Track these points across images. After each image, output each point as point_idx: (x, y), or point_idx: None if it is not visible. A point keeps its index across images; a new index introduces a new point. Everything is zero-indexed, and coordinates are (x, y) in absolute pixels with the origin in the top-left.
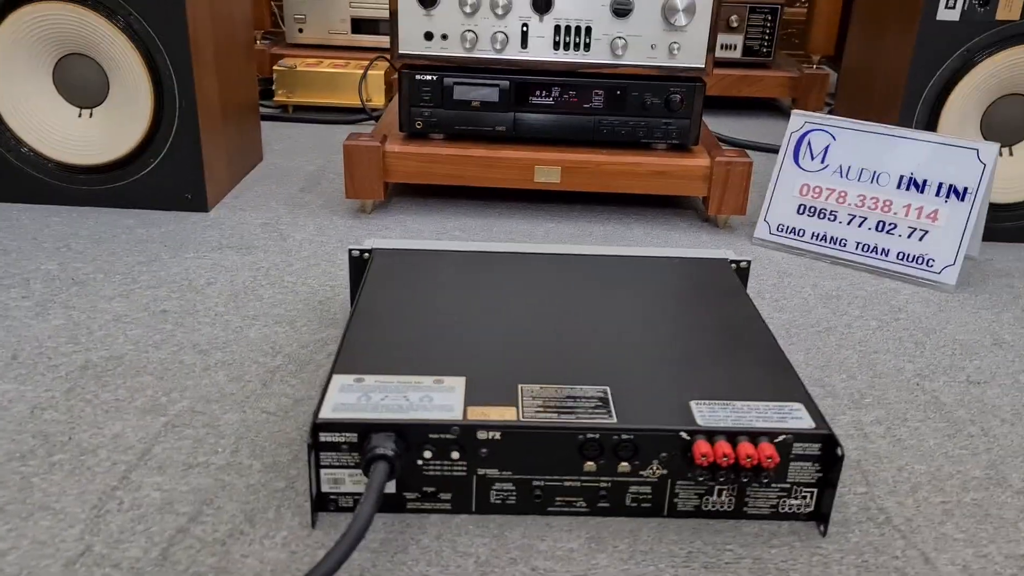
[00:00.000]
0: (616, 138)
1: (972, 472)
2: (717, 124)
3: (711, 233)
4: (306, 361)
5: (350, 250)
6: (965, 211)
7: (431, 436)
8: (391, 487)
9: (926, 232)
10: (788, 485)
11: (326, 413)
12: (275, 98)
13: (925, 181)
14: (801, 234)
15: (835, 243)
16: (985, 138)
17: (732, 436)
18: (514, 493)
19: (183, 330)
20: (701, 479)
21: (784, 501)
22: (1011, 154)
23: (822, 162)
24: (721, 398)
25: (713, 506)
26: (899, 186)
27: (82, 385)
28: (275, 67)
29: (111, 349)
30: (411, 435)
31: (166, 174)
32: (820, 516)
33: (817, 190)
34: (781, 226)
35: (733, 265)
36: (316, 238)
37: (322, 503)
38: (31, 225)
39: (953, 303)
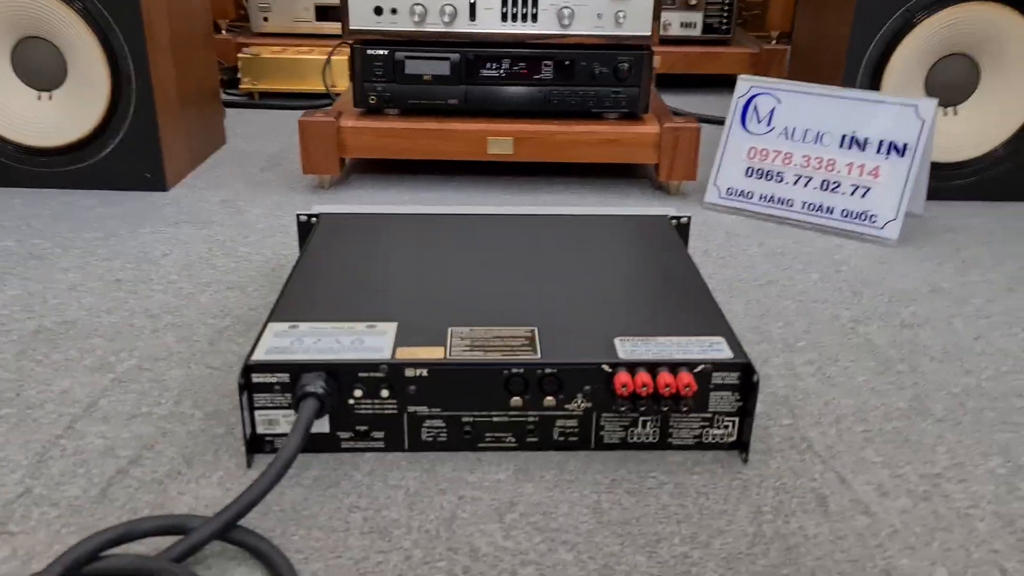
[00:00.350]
0: (567, 108)
1: (896, 404)
2: (679, 101)
3: (663, 199)
4: (254, 322)
5: (298, 215)
6: (905, 167)
7: (361, 375)
8: (325, 426)
9: (868, 189)
10: (710, 415)
11: (258, 355)
12: (241, 85)
13: (866, 139)
14: (750, 196)
15: (782, 203)
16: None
17: (652, 367)
18: (445, 430)
19: (136, 297)
20: (623, 410)
21: (707, 431)
22: (956, 113)
23: (768, 125)
24: (646, 335)
25: (639, 438)
26: (841, 145)
27: (33, 347)
28: (239, 55)
29: (64, 315)
30: (341, 374)
31: (125, 155)
32: (742, 444)
33: (764, 152)
34: (731, 189)
35: (674, 221)
36: (273, 212)
37: (257, 444)
38: None
39: (895, 256)
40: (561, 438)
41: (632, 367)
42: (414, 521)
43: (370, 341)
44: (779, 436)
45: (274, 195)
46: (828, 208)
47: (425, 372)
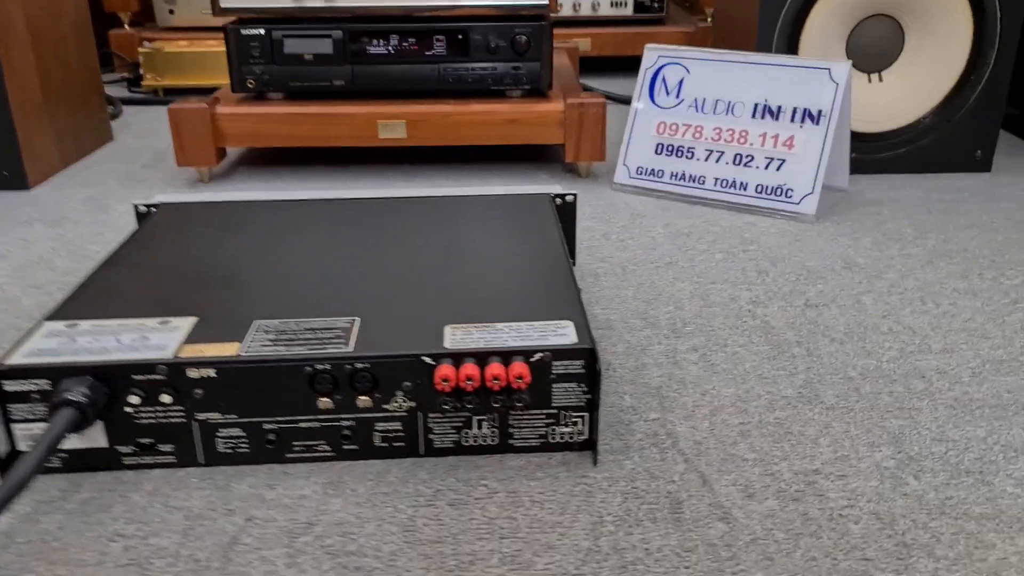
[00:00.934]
0: (464, 86)
1: (783, 391)
2: (611, 85)
3: (572, 183)
4: None
5: (135, 206)
6: (821, 135)
7: (135, 378)
8: (100, 440)
9: (783, 161)
10: (555, 411)
11: (15, 359)
12: (143, 82)
13: (780, 107)
14: (660, 175)
15: (693, 181)
16: (853, 66)
17: (482, 358)
18: (245, 440)
19: None
20: (447, 407)
21: (553, 429)
22: (880, 80)
23: (677, 97)
24: (482, 321)
25: (475, 440)
26: (754, 115)
27: None
28: (139, 49)
29: None
30: (112, 379)
31: None
32: (591, 444)
33: (673, 127)
34: (640, 168)
35: (559, 200)
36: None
37: None
38: None
39: (811, 232)
40: (384, 444)
41: (458, 358)
42: (185, 549)
43: (156, 339)
44: (641, 432)
45: (148, 191)
46: (741, 184)
47: (212, 372)
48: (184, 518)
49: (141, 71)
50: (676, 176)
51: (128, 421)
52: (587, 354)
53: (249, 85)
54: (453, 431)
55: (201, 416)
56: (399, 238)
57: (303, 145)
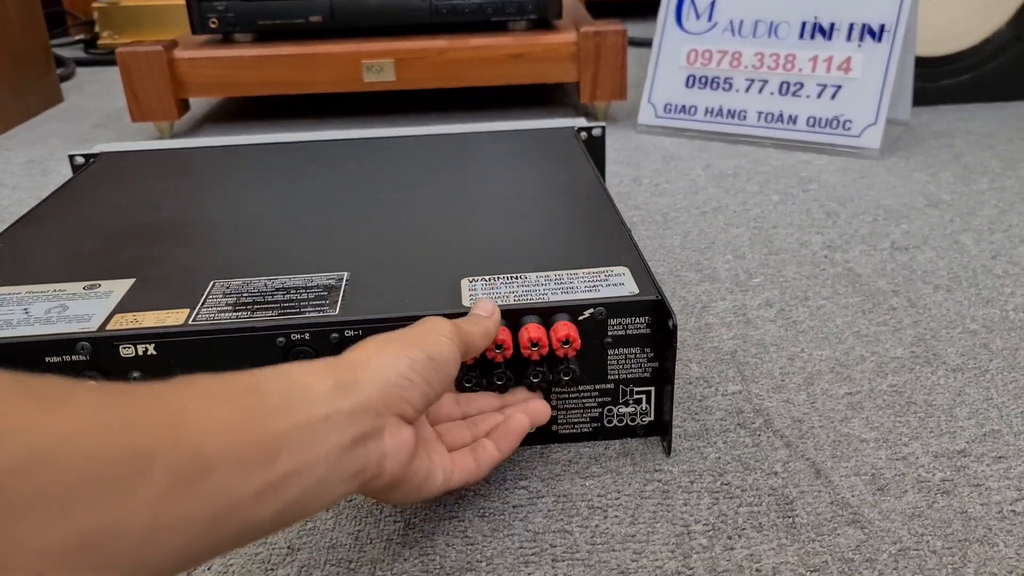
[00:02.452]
0: (460, 19)
1: (892, 351)
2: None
3: (534, 121)
4: None
5: (71, 156)
6: (884, 54)
7: (48, 359)
8: None
9: (839, 88)
10: (611, 386)
11: None
12: (100, 41)
13: (832, 24)
14: (693, 112)
15: (733, 116)
16: None
17: (513, 317)
18: None
19: None
20: (468, 385)
21: (610, 411)
22: None
23: (709, 20)
24: (509, 272)
25: None
26: (802, 35)
27: None
28: (94, 5)
29: None
30: (16, 361)
31: None
32: (662, 427)
33: (707, 55)
34: (669, 106)
35: (584, 134)
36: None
37: None
38: None
39: (877, 169)
40: None
41: None
42: None
43: (78, 308)
44: (721, 410)
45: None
46: (790, 117)
47: (152, 348)
48: None
49: (97, 29)
50: (712, 112)
51: None
52: (654, 308)
53: (212, 25)
54: None
55: None
56: (399, 180)
57: (276, 93)
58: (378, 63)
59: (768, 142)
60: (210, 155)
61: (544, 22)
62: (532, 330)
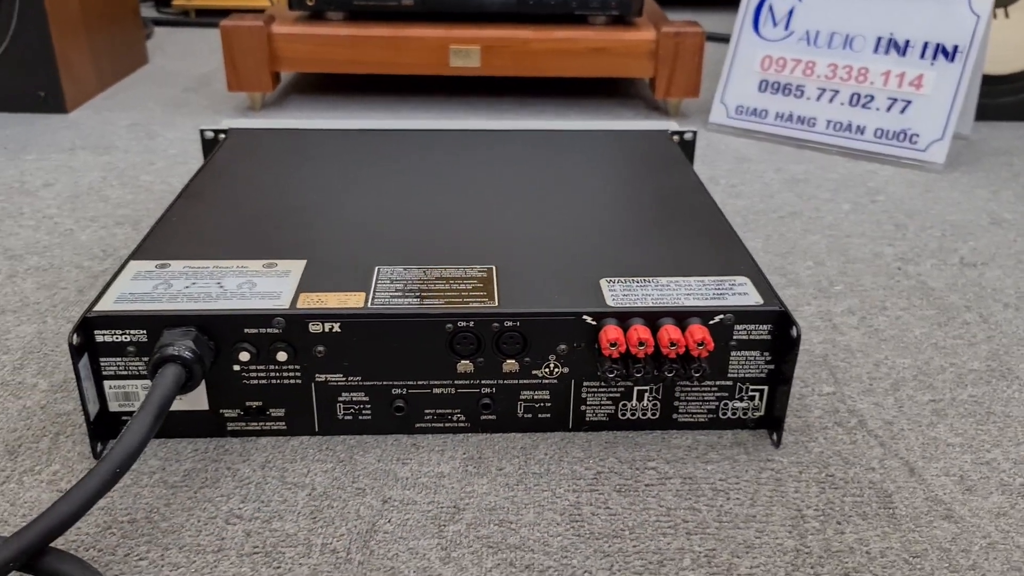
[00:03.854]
0: (545, 10)
1: (969, 364)
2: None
3: (625, 122)
4: None
5: (202, 131)
6: (956, 74)
7: (247, 331)
8: (202, 402)
9: (908, 103)
10: (730, 383)
11: (105, 305)
12: (174, 2)
13: (907, 41)
14: (763, 115)
15: (802, 123)
16: None
17: (653, 318)
18: (368, 406)
19: None
20: (612, 376)
21: (725, 404)
22: (1007, 16)
23: (786, 29)
24: (640, 275)
25: (633, 414)
26: (876, 50)
27: None
28: None
29: None
30: (219, 331)
31: (11, 70)
32: (773, 422)
33: (781, 62)
34: (740, 108)
35: (676, 137)
36: (189, 137)
37: (110, 426)
38: None
39: (941, 183)
40: (528, 416)
41: (624, 317)
42: (316, 537)
43: (265, 285)
44: (819, 409)
45: (195, 118)
46: (858, 127)
47: (337, 327)
48: (308, 497)
49: None
50: (782, 117)
51: (235, 381)
52: (776, 317)
53: (309, 3)
54: (610, 403)
55: (321, 377)
56: (520, 175)
57: (365, 72)
58: (465, 49)
59: (835, 150)
60: (334, 138)
61: (624, 19)
62: (671, 331)
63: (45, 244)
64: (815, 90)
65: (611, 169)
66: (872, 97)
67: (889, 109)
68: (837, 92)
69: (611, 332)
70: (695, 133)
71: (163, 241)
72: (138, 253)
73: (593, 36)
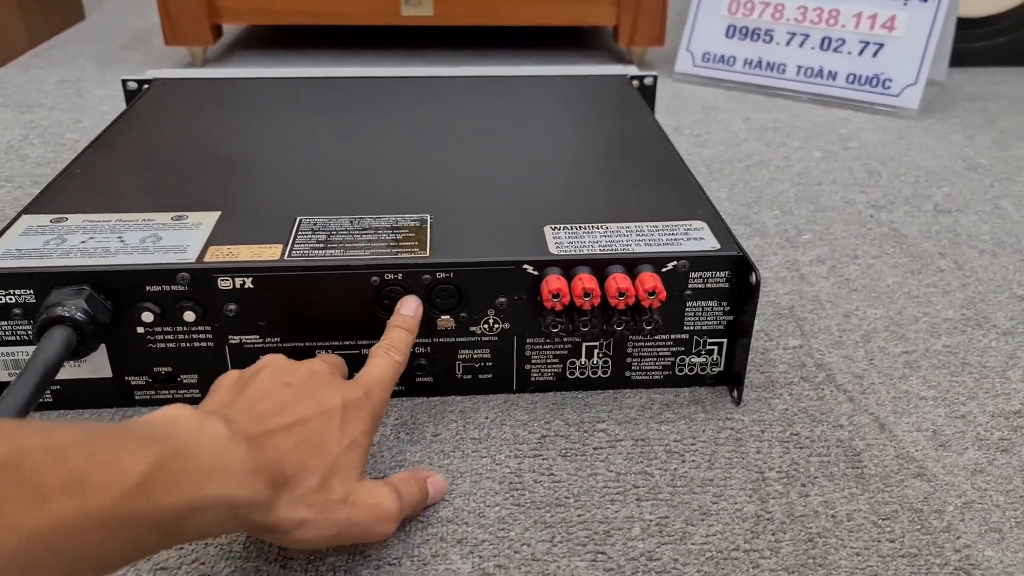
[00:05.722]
0: None
1: (944, 313)
2: None
3: (582, 67)
4: None
5: (124, 81)
6: (930, 14)
7: (149, 289)
8: (103, 368)
9: (881, 46)
10: (686, 336)
11: None
12: None
13: None
14: (731, 62)
15: (772, 69)
16: None
17: (600, 267)
18: None
19: None
20: (556, 330)
21: (682, 360)
22: None
23: None
24: (588, 221)
25: (582, 372)
26: None
27: None
28: None
29: None
30: (117, 289)
31: None
32: (733, 378)
33: (749, 5)
34: (707, 55)
35: (636, 82)
36: (122, 93)
37: None
38: None
39: (915, 129)
40: (468, 377)
41: (569, 266)
42: None
43: (171, 238)
44: (784, 364)
45: (131, 74)
46: (830, 73)
47: (250, 282)
48: None
49: None
50: (751, 64)
51: (140, 344)
52: (734, 263)
53: None
54: (556, 361)
55: (235, 339)
56: (469, 122)
57: (312, 23)
58: None
59: (806, 97)
60: (266, 86)
61: None
62: (620, 280)
63: None
64: (784, 34)
65: (565, 114)
66: (843, 40)
67: (861, 53)
68: (807, 36)
69: (553, 282)
70: (655, 78)
71: (64, 194)
72: (32, 206)
73: None
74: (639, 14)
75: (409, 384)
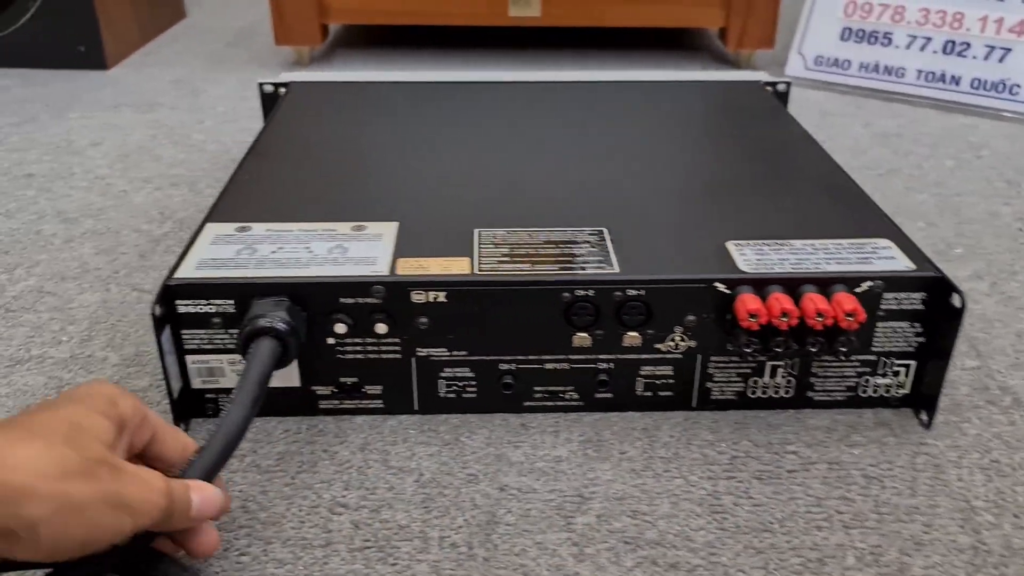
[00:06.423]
0: None
1: None
2: None
3: (710, 72)
4: None
5: (260, 85)
6: None
7: (343, 300)
8: (293, 378)
9: (1008, 51)
10: (873, 357)
11: (186, 271)
12: None
13: None
14: (846, 66)
15: (890, 74)
16: None
17: (793, 286)
18: (473, 382)
19: (49, 196)
20: (749, 351)
21: (867, 381)
22: None
23: None
24: (770, 237)
25: (764, 392)
26: None
27: None
28: None
29: None
30: (313, 300)
31: (51, 24)
32: (923, 400)
33: (867, 8)
34: (820, 58)
35: (769, 88)
36: (237, 93)
37: (193, 405)
38: None
39: None
40: (648, 394)
41: (761, 285)
42: (432, 529)
43: (357, 249)
44: (966, 385)
45: (239, 73)
46: (953, 78)
47: (443, 296)
48: (416, 484)
49: None
50: (867, 67)
51: (329, 355)
52: (933, 284)
53: None
54: (738, 379)
55: (423, 351)
56: (613, 128)
57: (417, 23)
58: None
59: (926, 102)
60: (404, 91)
61: None
62: (818, 301)
63: (99, 206)
64: (905, 37)
65: (710, 122)
66: (968, 44)
67: (987, 58)
68: (929, 39)
69: (750, 302)
70: (788, 84)
71: (239, 202)
72: (214, 215)
73: None
74: (749, 16)
75: (588, 399)
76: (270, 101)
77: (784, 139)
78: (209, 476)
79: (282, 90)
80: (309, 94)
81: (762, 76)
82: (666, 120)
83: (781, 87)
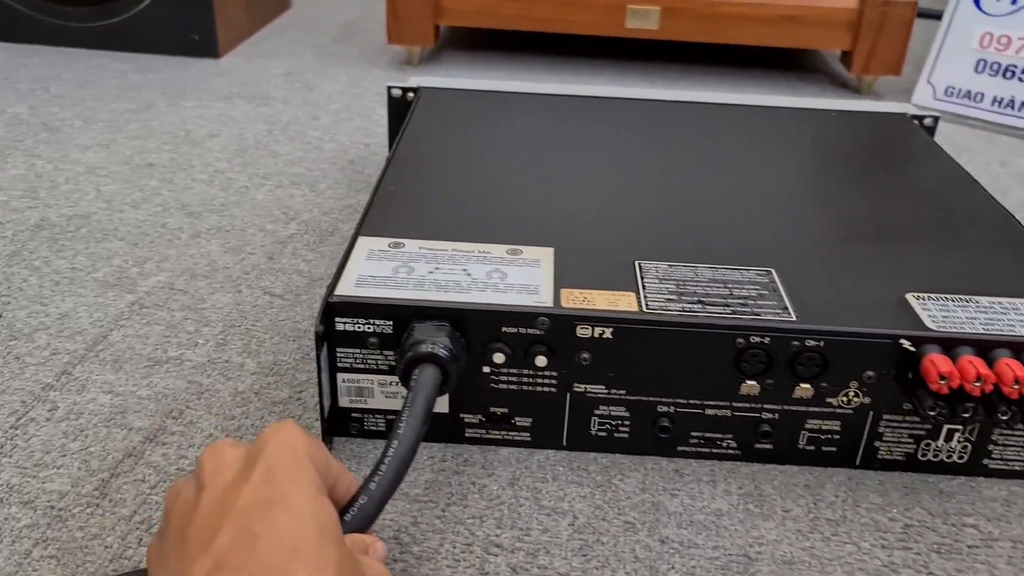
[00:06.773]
0: None
1: None
2: None
3: (851, 100)
4: (329, 231)
5: (389, 88)
6: None
7: (506, 330)
8: (439, 404)
9: None
10: None
11: (346, 288)
12: None
13: None
14: (979, 99)
15: None
16: None
17: (985, 348)
18: (627, 422)
19: (171, 188)
20: (934, 414)
21: None
22: None
23: (1013, 3)
24: (952, 292)
25: (936, 455)
26: None
27: (31, 248)
28: None
29: (76, 207)
30: (475, 327)
31: (167, 10)
32: None
33: (1004, 40)
34: (951, 89)
35: (915, 122)
36: (349, 90)
37: (340, 423)
38: (4, 64)
39: None
40: (810, 448)
41: (951, 345)
42: None
43: (517, 276)
44: None
45: (349, 69)
46: None
47: (609, 332)
48: (571, 528)
49: None
50: (1001, 103)
51: (482, 384)
52: None
53: None
54: (910, 440)
55: (579, 387)
56: (763, 157)
57: (534, 29)
58: (644, 9)
59: None
60: (539, 103)
61: None
62: (1016, 368)
63: (222, 201)
64: None
65: (864, 156)
66: None
67: None
68: None
69: (941, 364)
70: (936, 119)
71: (389, 216)
72: (365, 228)
73: (786, 3)
74: (879, 40)
75: (746, 449)
76: (397, 105)
77: (945, 180)
78: (374, 519)
79: (410, 95)
80: (443, 101)
81: (909, 108)
82: (817, 151)
83: (928, 121)
